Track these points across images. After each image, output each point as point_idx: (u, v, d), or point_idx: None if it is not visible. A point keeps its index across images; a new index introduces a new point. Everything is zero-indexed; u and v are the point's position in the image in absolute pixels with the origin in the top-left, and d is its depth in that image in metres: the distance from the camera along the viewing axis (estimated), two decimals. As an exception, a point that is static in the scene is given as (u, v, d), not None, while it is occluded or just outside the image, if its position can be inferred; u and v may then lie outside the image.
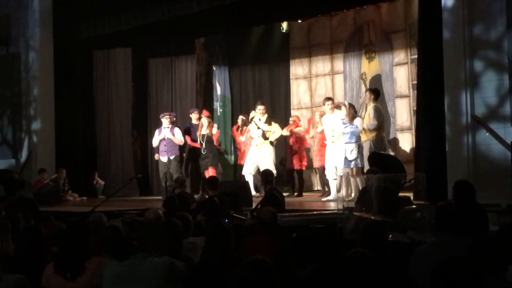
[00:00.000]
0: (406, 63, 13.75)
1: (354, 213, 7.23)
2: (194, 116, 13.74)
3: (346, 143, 10.94)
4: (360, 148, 10.90)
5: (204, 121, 13.21)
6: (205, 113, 13.75)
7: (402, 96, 13.79)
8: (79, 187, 14.61)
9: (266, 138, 12.56)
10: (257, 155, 12.60)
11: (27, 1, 14.85)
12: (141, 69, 15.94)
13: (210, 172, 12.92)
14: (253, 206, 9.45)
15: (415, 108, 12.39)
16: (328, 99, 12.12)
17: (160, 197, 13.37)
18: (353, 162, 10.87)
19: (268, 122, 12.74)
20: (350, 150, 10.86)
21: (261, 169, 11.65)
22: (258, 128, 12.58)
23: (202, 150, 13.11)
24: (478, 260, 3.82)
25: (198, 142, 13.23)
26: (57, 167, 14.35)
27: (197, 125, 13.40)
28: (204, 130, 13.10)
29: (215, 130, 13.40)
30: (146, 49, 15.78)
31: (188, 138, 13.50)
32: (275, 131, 12.66)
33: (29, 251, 5.19)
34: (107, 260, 4.70)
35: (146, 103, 15.96)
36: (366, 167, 11.29)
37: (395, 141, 13.76)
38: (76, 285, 4.63)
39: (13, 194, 11.49)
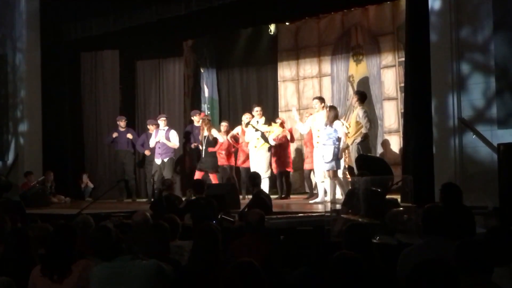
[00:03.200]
0: (394, 65, 13.80)
1: (342, 215, 7.25)
2: (196, 119, 13.74)
3: (324, 145, 10.95)
4: (336, 150, 10.89)
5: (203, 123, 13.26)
6: (202, 115, 13.75)
7: (389, 99, 13.84)
8: (67, 189, 14.58)
9: (266, 140, 12.57)
10: (255, 157, 12.61)
11: (14, 2, 14.79)
12: (128, 71, 15.91)
13: (211, 178, 12.94)
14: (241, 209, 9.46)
15: (402, 110, 12.43)
16: (316, 98, 12.11)
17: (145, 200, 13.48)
18: (329, 165, 10.87)
19: (268, 123, 12.77)
20: (327, 153, 10.86)
21: (256, 170, 11.68)
22: (257, 130, 12.57)
23: (202, 152, 13.13)
24: (465, 263, 3.83)
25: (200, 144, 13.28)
26: (45, 170, 14.30)
27: (199, 127, 13.42)
28: (205, 132, 13.12)
29: (215, 133, 13.32)
30: (134, 51, 15.75)
31: (193, 144, 13.58)
32: (274, 130, 12.68)
33: (15, 254, 5.17)
34: (93, 262, 4.69)
35: (134, 105, 15.93)
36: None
37: (382, 144, 13.79)
38: (63, 288, 4.61)
39: (-1, 197, 11.43)
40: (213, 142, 13.03)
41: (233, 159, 13.56)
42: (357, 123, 10.97)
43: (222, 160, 13.33)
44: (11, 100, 14.82)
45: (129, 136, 14.27)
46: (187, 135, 14.11)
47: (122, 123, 14.38)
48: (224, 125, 13.71)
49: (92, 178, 15.17)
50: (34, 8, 14.85)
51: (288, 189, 13.32)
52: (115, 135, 14.21)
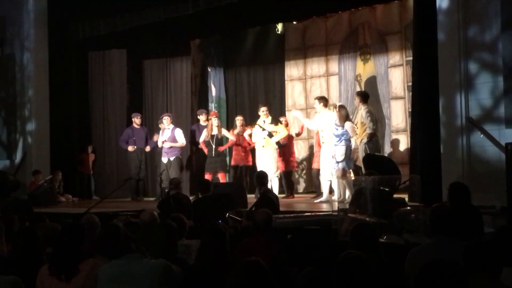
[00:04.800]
0: (401, 64, 13.78)
1: (349, 214, 7.24)
2: (202, 118, 13.74)
3: (335, 145, 10.95)
4: (348, 150, 10.86)
5: (215, 122, 13.22)
6: (214, 114, 13.74)
7: (397, 98, 13.82)
8: (74, 188, 14.62)
9: (271, 137, 12.63)
10: (262, 157, 12.64)
11: (22, 1, 14.84)
12: (136, 70, 15.91)
13: (219, 177, 12.94)
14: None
15: (410, 109, 12.42)
16: (317, 98, 12.12)
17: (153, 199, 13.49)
18: (340, 164, 10.86)
19: (275, 123, 12.79)
20: (338, 152, 10.85)
21: (263, 169, 11.66)
22: (263, 130, 12.60)
23: (212, 151, 13.12)
24: (473, 263, 3.82)
25: (207, 143, 13.24)
26: (52, 169, 14.34)
27: (205, 126, 13.44)
28: (215, 131, 13.10)
29: (226, 133, 13.33)
30: (141, 50, 15.75)
31: (202, 144, 13.51)
32: (281, 131, 12.69)
33: (23, 253, 5.17)
34: (101, 261, 4.69)
35: (141, 104, 15.93)
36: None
37: (390, 143, 13.78)
38: (71, 287, 4.62)
39: (7, 196, 11.46)
40: (222, 141, 13.06)
41: (250, 158, 13.49)
42: (362, 123, 10.97)
43: (238, 159, 13.34)
44: (19, 99, 14.87)
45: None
46: (192, 134, 14.11)
47: (137, 120, 14.32)
48: (239, 119, 13.58)
49: (98, 177, 15.26)
50: (42, 7, 14.89)
51: (291, 188, 13.29)
52: (131, 148, 14.10)
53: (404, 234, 6.35)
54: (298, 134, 13.48)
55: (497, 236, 4.63)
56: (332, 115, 11.44)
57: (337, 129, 10.90)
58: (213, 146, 13.10)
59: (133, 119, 14.34)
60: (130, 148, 14.07)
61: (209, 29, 14.36)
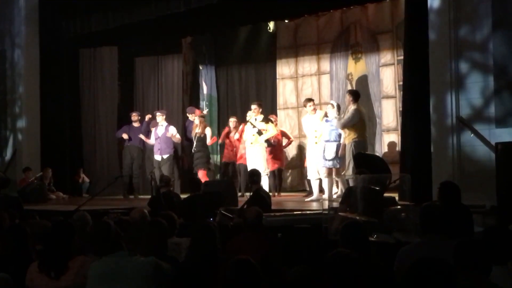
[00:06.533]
0: (393, 64, 13.79)
1: (339, 213, 7.25)
2: (191, 116, 13.73)
3: (326, 141, 10.98)
4: (338, 148, 10.87)
5: (197, 120, 13.25)
6: (197, 112, 13.75)
7: (388, 97, 13.83)
8: (65, 185, 14.56)
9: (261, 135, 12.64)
10: (251, 154, 12.64)
11: (13, -2, 14.80)
12: (127, 68, 15.90)
13: (200, 174, 12.96)
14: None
15: (401, 109, 12.42)
16: (309, 100, 12.12)
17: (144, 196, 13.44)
18: (330, 162, 10.88)
19: (265, 121, 12.78)
20: (329, 150, 10.87)
21: (253, 166, 11.66)
22: (254, 127, 12.59)
23: (193, 149, 13.15)
24: (463, 261, 3.83)
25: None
26: (43, 166, 14.29)
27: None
28: (197, 129, 13.13)
29: (208, 132, 13.34)
30: (132, 48, 15.74)
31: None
32: (269, 130, 12.67)
33: (13, 250, 5.16)
34: (91, 259, 4.69)
35: (132, 102, 15.93)
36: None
37: (381, 142, 13.79)
38: (60, 284, 4.61)
39: (-3, 193, 11.43)
40: (204, 139, 13.09)
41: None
42: (352, 127, 10.94)
43: (230, 156, 13.35)
44: (9, 96, 14.81)
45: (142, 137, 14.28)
46: (185, 130, 14.13)
47: (134, 118, 14.35)
48: (232, 120, 13.59)
49: (89, 174, 15.16)
50: (33, 3, 14.83)
51: (279, 186, 13.31)
52: (125, 136, 14.20)
53: (394, 233, 6.35)
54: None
55: (487, 235, 4.65)
56: (321, 114, 11.51)
57: (327, 122, 11.02)
58: (194, 143, 13.15)
59: (132, 118, 14.34)
60: (125, 136, 14.15)
61: (200, 27, 14.33)
